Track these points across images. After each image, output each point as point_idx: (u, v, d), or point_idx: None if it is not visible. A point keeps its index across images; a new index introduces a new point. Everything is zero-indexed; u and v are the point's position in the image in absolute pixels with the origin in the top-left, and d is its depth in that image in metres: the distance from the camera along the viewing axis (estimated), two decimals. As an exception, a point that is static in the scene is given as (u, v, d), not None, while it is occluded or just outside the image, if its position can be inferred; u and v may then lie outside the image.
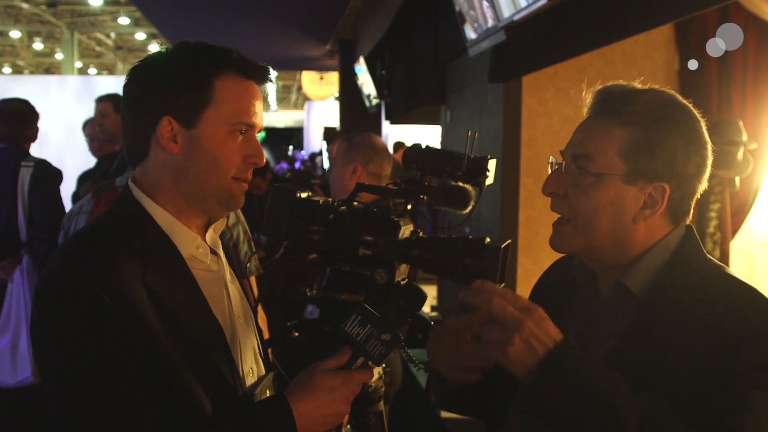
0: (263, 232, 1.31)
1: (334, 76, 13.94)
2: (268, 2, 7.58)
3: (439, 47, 5.29)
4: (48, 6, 15.38)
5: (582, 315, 1.26)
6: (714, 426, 1.00)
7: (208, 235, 1.29)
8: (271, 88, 24.73)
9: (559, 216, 1.22)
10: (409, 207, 1.34)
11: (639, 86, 1.20)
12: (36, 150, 3.85)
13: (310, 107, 21.08)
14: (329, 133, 12.60)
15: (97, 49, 20.90)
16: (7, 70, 22.48)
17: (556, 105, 3.81)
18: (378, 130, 9.38)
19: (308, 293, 1.33)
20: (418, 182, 1.30)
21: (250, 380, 1.28)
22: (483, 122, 4.17)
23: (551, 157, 1.26)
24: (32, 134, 3.73)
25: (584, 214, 1.16)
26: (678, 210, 1.17)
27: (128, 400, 1.05)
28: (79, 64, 18.92)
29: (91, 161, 4.54)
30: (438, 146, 1.31)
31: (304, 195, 1.29)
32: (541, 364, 1.01)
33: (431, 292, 5.71)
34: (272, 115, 29.35)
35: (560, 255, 1.38)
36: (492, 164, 1.32)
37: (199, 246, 1.25)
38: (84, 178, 4.36)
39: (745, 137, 3.54)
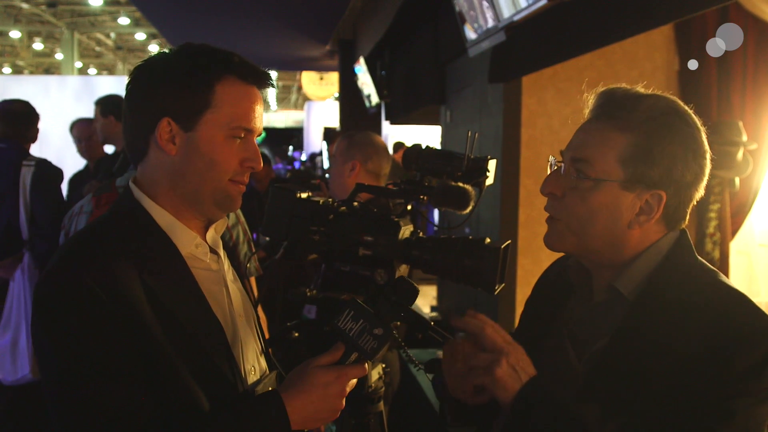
0: (263, 232, 1.31)
1: (334, 77, 13.95)
2: (268, 2, 7.58)
3: (439, 47, 5.29)
4: (48, 6, 15.38)
5: (577, 316, 1.27)
6: (696, 429, 1.02)
7: (209, 234, 1.30)
8: (271, 90, 24.74)
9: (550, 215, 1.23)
10: (409, 207, 1.34)
11: (641, 90, 1.19)
12: (36, 150, 3.88)
13: (309, 107, 21.07)
14: (329, 134, 12.61)
15: (97, 49, 20.90)
16: (7, 70, 22.49)
17: (556, 105, 3.81)
18: (378, 130, 9.38)
19: (308, 293, 1.33)
20: (418, 182, 1.31)
21: (252, 378, 1.29)
22: (483, 122, 4.17)
23: (551, 157, 1.27)
24: (32, 135, 3.77)
25: (579, 217, 1.17)
26: (674, 216, 1.18)
27: (125, 398, 1.06)
28: (79, 65, 18.92)
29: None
30: (438, 146, 1.31)
31: (304, 195, 1.29)
32: (524, 388, 1.08)
33: (431, 292, 5.71)
34: (272, 116, 29.36)
35: (559, 255, 1.39)
36: (492, 164, 1.32)
37: (199, 245, 1.26)
38: (75, 181, 4.36)
39: (744, 138, 3.54)
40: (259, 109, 1.25)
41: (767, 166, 3.80)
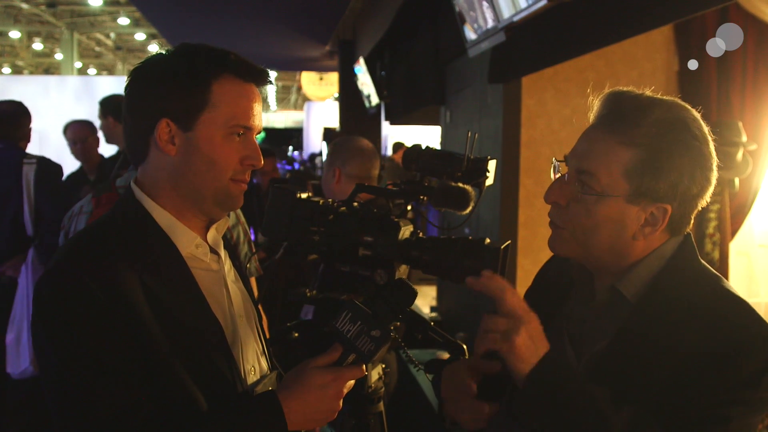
0: (263, 232, 1.31)
1: (333, 77, 13.95)
2: (268, 3, 7.58)
3: (438, 48, 5.29)
4: (48, 6, 15.38)
5: (577, 315, 1.27)
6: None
7: (210, 234, 1.30)
8: (270, 89, 24.76)
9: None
10: (409, 208, 1.34)
11: (649, 95, 1.17)
12: (36, 149, 3.91)
13: (309, 108, 21.07)
14: (329, 134, 12.62)
15: (97, 49, 20.90)
16: (6, 70, 22.49)
17: (556, 106, 3.81)
18: (378, 130, 9.39)
19: (308, 294, 1.34)
20: (418, 183, 1.31)
21: (251, 379, 1.29)
22: (483, 123, 4.17)
23: (554, 160, 1.25)
24: (23, 135, 3.78)
25: (584, 228, 1.16)
26: (678, 225, 1.17)
27: (123, 397, 1.06)
28: (78, 65, 18.93)
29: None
30: (438, 147, 1.31)
31: (304, 196, 1.29)
32: (543, 361, 1.04)
33: (430, 292, 5.71)
34: (272, 116, 29.36)
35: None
36: (492, 165, 1.32)
37: (199, 245, 1.26)
38: (69, 182, 4.34)
39: (744, 138, 3.54)
40: (257, 106, 1.25)
41: (767, 166, 3.81)
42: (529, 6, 2.90)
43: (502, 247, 1.21)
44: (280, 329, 1.40)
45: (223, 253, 1.33)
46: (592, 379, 1.13)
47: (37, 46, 20.18)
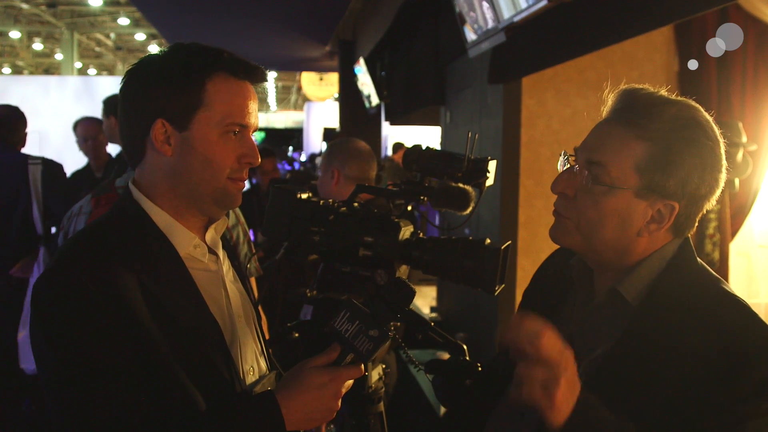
0: (263, 233, 1.31)
1: (333, 77, 13.95)
2: (268, 3, 7.58)
3: (439, 48, 5.29)
4: (48, 6, 15.38)
5: (577, 315, 1.26)
6: None
7: (208, 234, 1.30)
8: (270, 89, 24.75)
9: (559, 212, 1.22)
10: (409, 208, 1.34)
11: (665, 94, 1.17)
12: (36, 150, 4.00)
13: (309, 108, 21.08)
14: (329, 134, 12.63)
15: (97, 49, 20.90)
16: (6, 70, 22.49)
17: (556, 106, 3.81)
18: (378, 131, 9.38)
19: (308, 294, 1.34)
20: (418, 183, 1.30)
21: (250, 379, 1.29)
22: (483, 123, 4.17)
23: (563, 152, 1.24)
24: (18, 139, 3.87)
25: (590, 220, 1.16)
26: (683, 225, 1.17)
27: (121, 397, 1.06)
28: (78, 65, 18.92)
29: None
30: (438, 147, 1.31)
31: (304, 196, 1.29)
32: (577, 409, 0.97)
33: (431, 293, 5.70)
34: (272, 116, 29.37)
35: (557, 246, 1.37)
36: (492, 165, 1.32)
37: (197, 246, 1.26)
38: (74, 179, 4.36)
39: (744, 139, 3.54)
40: (252, 104, 1.24)
41: (767, 167, 3.80)
42: (530, 6, 2.90)
43: (503, 247, 1.21)
44: (279, 329, 1.40)
45: (221, 253, 1.33)
46: (594, 384, 1.11)
47: (37, 46, 20.18)
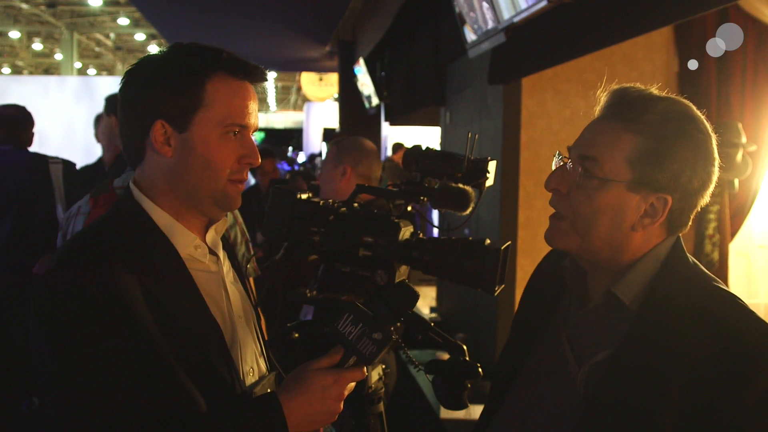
0: (263, 233, 1.31)
1: (333, 78, 13.94)
2: (268, 3, 7.58)
3: (438, 49, 5.29)
4: (47, 6, 15.37)
5: (573, 318, 1.25)
6: None
7: (209, 235, 1.29)
8: (270, 89, 24.73)
9: (556, 210, 1.22)
10: (409, 208, 1.34)
11: (656, 92, 1.18)
12: (35, 149, 4.00)
13: (309, 108, 21.07)
14: (329, 135, 12.62)
15: (97, 49, 20.89)
16: (6, 70, 22.49)
17: (556, 107, 3.81)
18: (377, 131, 9.37)
19: (308, 294, 1.33)
20: (418, 184, 1.30)
21: (250, 380, 1.28)
22: (482, 124, 4.17)
23: (557, 152, 1.25)
24: (27, 139, 3.93)
25: (584, 215, 1.16)
26: (677, 221, 1.17)
27: (121, 399, 1.06)
28: (78, 65, 18.92)
29: (89, 159, 4.57)
30: (438, 148, 1.31)
31: (304, 196, 1.29)
32: None
33: (430, 293, 5.70)
34: (271, 116, 29.37)
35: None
36: (492, 166, 1.32)
37: (198, 246, 1.25)
38: (84, 173, 4.36)
39: (744, 139, 3.54)
40: (252, 104, 1.24)
41: (766, 167, 3.80)
42: (529, 7, 2.90)
43: (502, 247, 1.21)
44: (280, 330, 1.40)
45: (222, 254, 1.33)
46: (603, 390, 1.11)
47: (37, 46, 20.17)
